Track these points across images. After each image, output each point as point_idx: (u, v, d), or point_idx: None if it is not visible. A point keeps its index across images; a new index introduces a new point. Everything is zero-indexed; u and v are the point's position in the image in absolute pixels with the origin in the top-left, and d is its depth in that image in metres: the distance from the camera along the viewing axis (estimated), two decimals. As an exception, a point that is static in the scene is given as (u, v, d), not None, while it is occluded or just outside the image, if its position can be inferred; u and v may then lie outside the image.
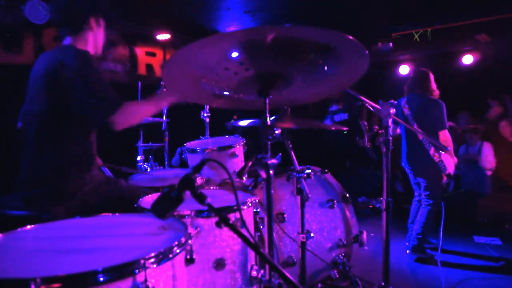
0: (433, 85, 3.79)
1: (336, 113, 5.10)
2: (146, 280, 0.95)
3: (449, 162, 3.63)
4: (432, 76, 3.81)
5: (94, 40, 2.00)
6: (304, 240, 1.94)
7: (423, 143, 3.60)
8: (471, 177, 5.54)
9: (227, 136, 2.93)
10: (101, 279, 0.88)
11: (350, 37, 1.05)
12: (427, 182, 3.67)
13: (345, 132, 5.00)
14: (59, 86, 1.75)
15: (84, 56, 1.79)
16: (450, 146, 3.63)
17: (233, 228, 1.05)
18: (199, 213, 1.45)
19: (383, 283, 1.94)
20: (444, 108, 3.60)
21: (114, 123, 1.74)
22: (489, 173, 5.41)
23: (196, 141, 2.83)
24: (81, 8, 1.94)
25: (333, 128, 3.27)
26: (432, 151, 3.58)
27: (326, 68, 1.25)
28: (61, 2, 1.92)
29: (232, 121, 4.17)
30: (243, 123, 2.08)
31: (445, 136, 3.58)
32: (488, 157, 5.41)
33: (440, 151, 3.60)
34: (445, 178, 3.59)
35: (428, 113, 3.62)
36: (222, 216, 1.08)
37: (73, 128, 1.81)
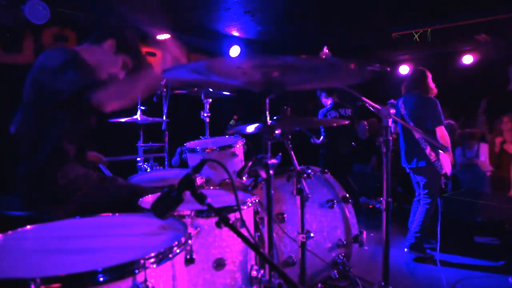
0: (431, 84, 3.78)
1: (341, 107, 5.04)
2: (146, 280, 0.95)
3: (446, 162, 3.62)
4: (429, 75, 3.80)
5: (101, 57, 1.96)
6: (304, 240, 1.94)
7: (419, 142, 3.61)
8: (471, 177, 5.55)
9: (227, 136, 2.93)
10: (101, 279, 0.88)
11: (353, 65, 1.07)
12: (425, 180, 3.68)
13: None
14: (42, 87, 1.75)
15: (68, 54, 1.77)
16: (448, 142, 3.63)
17: (233, 228, 1.05)
18: (199, 213, 1.45)
19: (383, 283, 1.94)
20: (439, 105, 3.60)
21: (95, 99, 1.65)
22: (488, 173, 5.42)
23: (196, 141, 2.83)
24: (107, 27, 1.98)
25: (334, 124, 3.25)
26: (428, 150, 3.58)
27: (326, 75, 1.27)
28: (96, 15, 1.96)
29: (233, 122, 4.16)
30: (249, 129, 2.08)
31: (441, 132, 3.58)
32: (488, 159, 5.43)
33: (439, 150, 3.61)
34: (442, 178, 3.60)
35: (423, 111, 3.62)
36: (222, 216, 1.08)
37: (59, 130, 1.78)
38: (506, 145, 5.29)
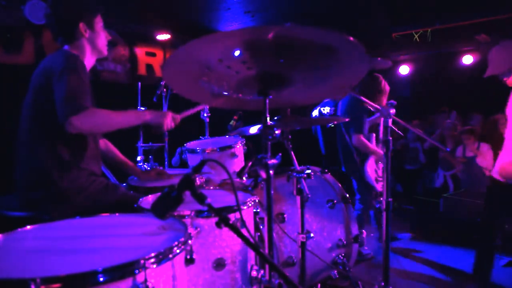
0: (378, 90, 3.54)
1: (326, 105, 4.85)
2: (146, 280, 0.94)
3: (372, 171, 3.48)
4: (382, 81, 3.55)
5: (91, 45, 1.96)
6: (304, 240, 1.94)
7: (349, 145, 3.57)
8: (470, 177, 5.55)
9: (227, 136, 2.93)
10: (101, 279, 0.88)
11: (351, 38, 1.05)
12: (357, 184, 3.65)
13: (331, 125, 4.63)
14: (44, 89, 1.75)
15: (70, 59, 1.77)
16: (371, 152, 3.45)
17: (233, 228, 1.05)
18: (199, 213, 1.45)
19: (382, 283, 1.94)
20: (365, 111, 3.42)
21: (71, 124, 1.64)
22: (488, 173, 5.41)
23: (196, 141, 2.83)
24: (66, 18, 1.89)
25: (335, 122, 3.22)
26: (355, 154, 3.53)
27: (327, 69, 1.25)
28: (48, 14, 1.89)
29: (233, 122, 4.14)
30: (252, 130, 2.08)
31: (358, 141, 3.39)
32: (487, 157, 5.42)
33: (370, 157, 3.46)
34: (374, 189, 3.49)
35: (348, 114, 3.50)
36: (222, 216, 1.08)
37: (61, 132, 1.74)
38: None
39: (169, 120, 1.98)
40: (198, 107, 2.24)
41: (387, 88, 3.59)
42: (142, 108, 3.46)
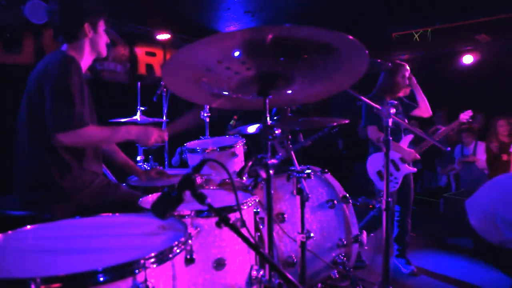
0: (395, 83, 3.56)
1: None
2: (146, 280, 0.95)
3: (373, 166, 3.46)
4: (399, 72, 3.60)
5: (92, 45, 1.96)
6: (304, 240, 1.94)
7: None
8: (468, 176, 5.56)
9: (227, 136, 2.93)
10: (101, 279, 0.88)
11: (350, 37, 1.05)
12: None
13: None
14: (39, 92, 1.75)
15: (67, 64, 1.76)
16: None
17: (233, 228, 1.05)
18: (199, 213, 1.45)
19: (383, 283, 1.94)
20: (365, 105, 3.40)
21: (57, 140, 1.70)
22: (487, 171, 5.41)
23: (196, 141, 2.83)
24: (72, 17, 1.90)
25: (334, 123, 3.20)
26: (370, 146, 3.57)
27: (326, 68, 1.25)
28: (53, 11, 1.89)
29: (233, 122, 4.12)
30: (251, 129, 2.08)
31: (370, 132, 3.35)
32: (484, 157, 5.43)
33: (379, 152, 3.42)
34: None
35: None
36: (222, 216, 1.08)
37: None
38: (503, 153, 5.22)
39: (154, 138, 2.01)
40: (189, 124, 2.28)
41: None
42: (142, 108, 3.46)
